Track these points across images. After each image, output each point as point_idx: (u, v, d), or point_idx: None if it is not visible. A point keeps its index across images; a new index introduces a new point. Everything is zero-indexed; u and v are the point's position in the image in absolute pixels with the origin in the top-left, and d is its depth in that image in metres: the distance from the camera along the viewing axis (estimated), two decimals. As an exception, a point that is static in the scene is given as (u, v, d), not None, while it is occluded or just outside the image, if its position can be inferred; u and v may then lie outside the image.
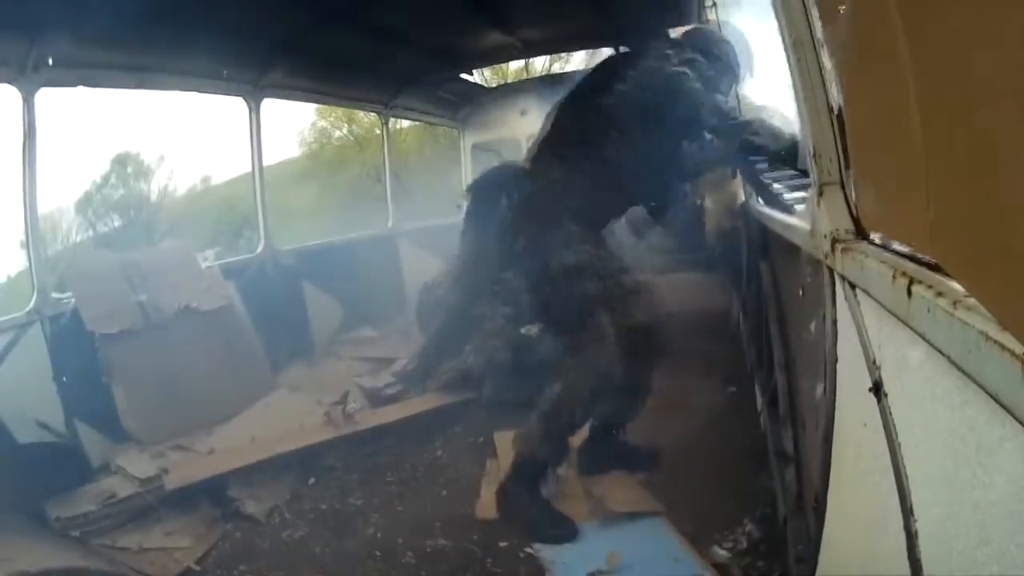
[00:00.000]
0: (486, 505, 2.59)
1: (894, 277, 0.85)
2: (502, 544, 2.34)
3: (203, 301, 3.47)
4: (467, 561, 2.27)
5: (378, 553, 2.37)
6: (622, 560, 2.11)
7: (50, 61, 2.92)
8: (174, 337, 3.33)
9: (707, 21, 3.05)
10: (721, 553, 2.12)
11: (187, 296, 3.43)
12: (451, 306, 3.55)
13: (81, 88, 3.24)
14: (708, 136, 2.61)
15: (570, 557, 2.19)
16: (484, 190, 2.70)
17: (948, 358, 0.69)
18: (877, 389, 0.97)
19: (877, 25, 0.83)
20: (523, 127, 6.38)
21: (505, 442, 3.00)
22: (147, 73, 3.54)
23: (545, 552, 2.23)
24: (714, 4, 3.06)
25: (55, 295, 3.08)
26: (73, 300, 3.09)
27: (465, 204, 2.80)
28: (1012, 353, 0.54)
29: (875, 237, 1.13)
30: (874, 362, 0.99)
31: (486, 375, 3.51)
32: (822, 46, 1.26)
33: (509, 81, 11.06)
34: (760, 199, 2.61)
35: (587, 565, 2.11)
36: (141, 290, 3.29)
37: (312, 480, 2.94)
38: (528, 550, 2.28)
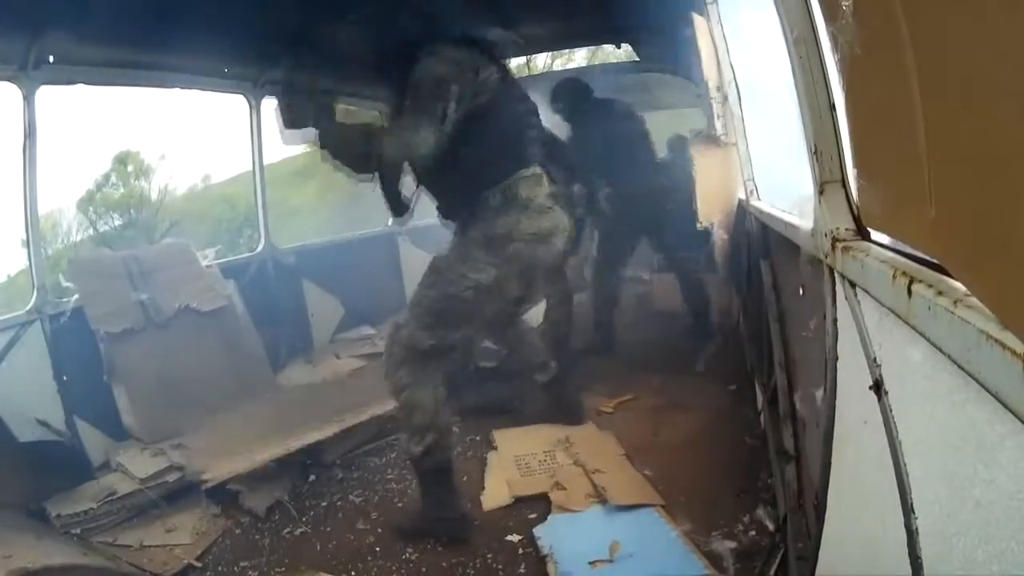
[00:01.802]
0: (491, 496, 2.64)
1: (894, 276, 0.85)
2: (503, 539, 2.34)
3: (203, 301, 3.48)
4: (468, 557, 2.28)
5: (378, 549, 2.38)
6: (623, 551, 2.12)
7: (51, 59, 2.91)
8: (174, 336, 3.34)
9: (708, 17, 3.04)
10: (721, 550, 2.13)
11: (187, 295, 3.43)
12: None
13: (82, 86, 3.25)
14: None
15: (571, 548, 2.20)
16: None
17: (949, 357, 0.69)
18: (878, 387, 0.97)
19: (880, 22, 0.83)
20: None
21: (505, 438, 3.06)
22: (148, 71, 3.53)
23: (545, 543, 2.24)
24: (715, 0, 3.05)
25: (65, 283, 3.10)
26: (74, 299, 3.10)
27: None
28: (1013, 352, 0.55)
29: (876, 236, 1.13)
30: (875, 360, 0.99)
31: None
32: (823, 43, 1.26)
33: (510, 79, 11.02)
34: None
35: (588, 555, 2.12)
36: (142, 289, 3.31)
37: (312, 477, 2.94)
38: (529, 549, 2.28)
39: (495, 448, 3.00)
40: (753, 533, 2.20)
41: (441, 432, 2.34)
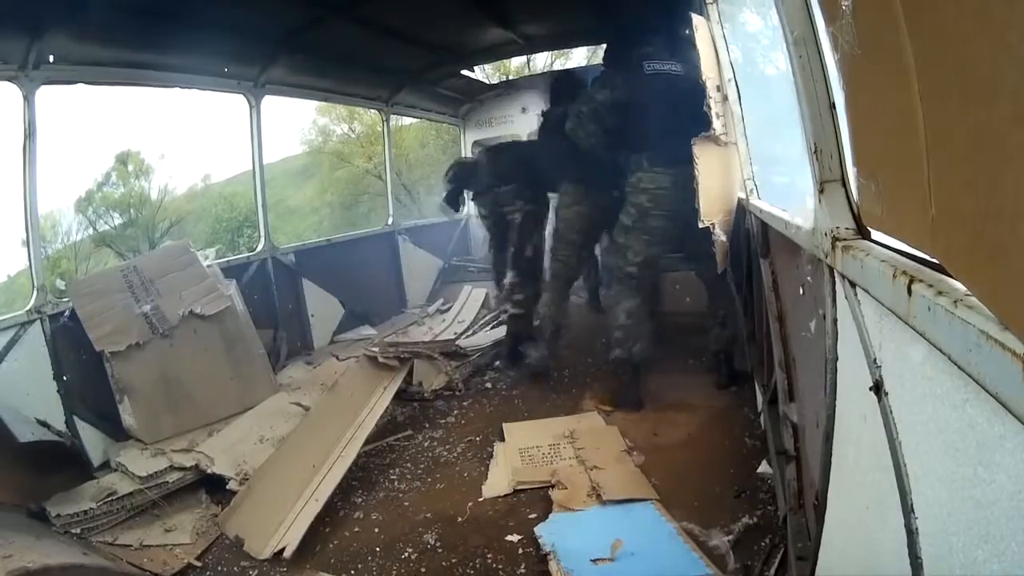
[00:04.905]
0: (493, 485, 2.71)
1: (894, 276, 0.85)
2: (503, 540, 2.34)
3: (207, 305, 3.43)
4: (468, 557, 2.28)
5: (378, 549, 2.38)
6: (624, 548, 2.12)
7: (51, 59, 2.91)
8: (178, 341, 3.31)
9: (708, 17, 3.04)
10: (721, 548, 2.13)
11: (190, 300, 3.38)
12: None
13: (82, 86, 3.24)
14: None
15: (573, 546, 2.20)
16: None
17: (948, 357, 0.69)
18: (878, 388, 0.97)
19: (880, 22, 0.83)
20: (525, 124, 6.38)
21: (514, 431, 3.13)
22: (148, 70, 3.54)
23: (547, 541, 2.24)
24: (715, 0, 3.04)
25: (60, 284, 3.07)
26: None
27: None
28: (1013, 352, 0.55)
29: (876, 235, 1.13)
30: (874, 361, 0.99)
31: None
32: (823, 43, 1.26)
33: (511, 78, 11.06)
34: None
35: (590, 553, 2.13)
36: (145, 300, 3.25)
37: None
38: (529, 549, 2.28)
39: (503, 440, 3.06)
40: (753, 533, 2.20)
41: (553, 315, 3.95)
